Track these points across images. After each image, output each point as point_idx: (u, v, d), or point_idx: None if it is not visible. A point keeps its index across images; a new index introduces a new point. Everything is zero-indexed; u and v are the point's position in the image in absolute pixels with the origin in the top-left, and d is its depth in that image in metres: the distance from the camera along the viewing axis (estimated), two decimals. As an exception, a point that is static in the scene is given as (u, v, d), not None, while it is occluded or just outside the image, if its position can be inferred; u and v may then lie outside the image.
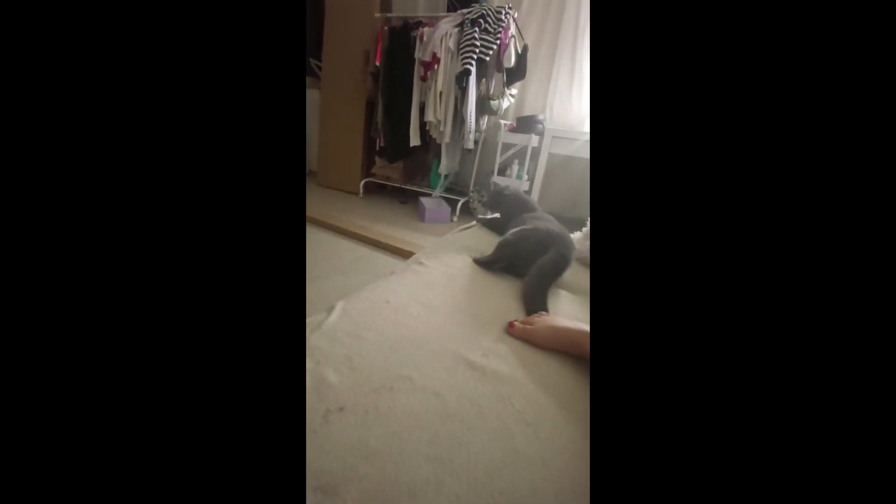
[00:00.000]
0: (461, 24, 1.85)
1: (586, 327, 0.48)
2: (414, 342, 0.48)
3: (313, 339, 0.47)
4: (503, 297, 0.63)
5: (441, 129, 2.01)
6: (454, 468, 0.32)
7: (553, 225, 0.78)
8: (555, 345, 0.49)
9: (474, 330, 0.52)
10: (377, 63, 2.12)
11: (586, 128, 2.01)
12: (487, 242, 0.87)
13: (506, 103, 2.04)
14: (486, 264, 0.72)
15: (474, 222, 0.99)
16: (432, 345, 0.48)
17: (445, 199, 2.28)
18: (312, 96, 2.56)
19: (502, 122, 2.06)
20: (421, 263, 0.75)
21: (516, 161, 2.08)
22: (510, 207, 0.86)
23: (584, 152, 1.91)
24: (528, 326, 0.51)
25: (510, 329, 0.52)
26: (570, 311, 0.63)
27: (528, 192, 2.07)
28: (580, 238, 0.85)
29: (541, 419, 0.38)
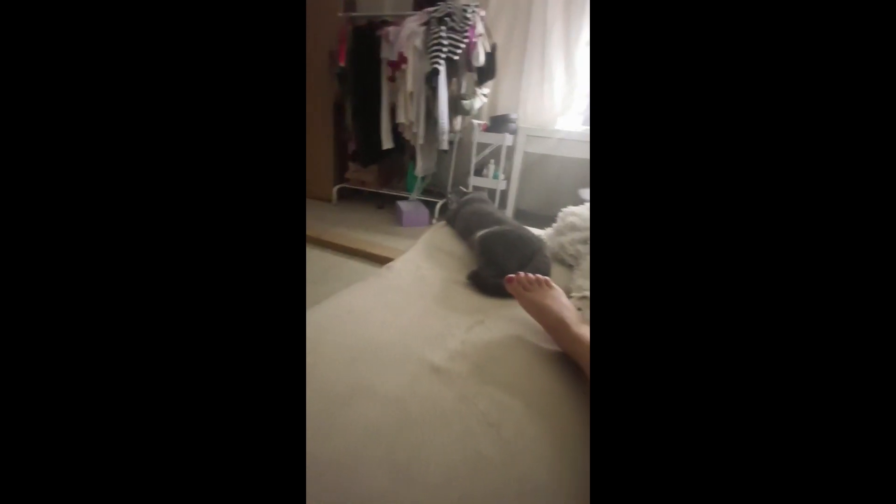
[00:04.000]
0: (427, 23, 1.88)
1: (572, 319, 0.49)
2: (376, 350, 0.48)
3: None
4: (473, 297, 0.64)
5: (414, 130, 2.02)
6: (411, 477, 0.32)
7: (520, 228, 0.80)
8: (535, 316, 0.52)
9: (441, 332, 0.52)
10: (342, 64, 2.12)
11: (559, 126, 2.08)
12: (457, 242, 0.88)
13: (478, 103, 2.08)
14: (479, 277, 0.69)
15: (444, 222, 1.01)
16: (396, 351, 0.48)
17: (423, 201, 2.28)
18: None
19: (475, 121, 2.10)
20: (389, 268, 0.74)
21: (492, 161, 2.12)
22: (462, 206, 0.97)
23: (558, 150, 1.96)
24: (525, 290, 0.54)
25: (508, 282, 0.55)
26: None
27: (506, 191, 2.11)
28: (551, 234, 0.87)
29: (504, 419, 0.39)
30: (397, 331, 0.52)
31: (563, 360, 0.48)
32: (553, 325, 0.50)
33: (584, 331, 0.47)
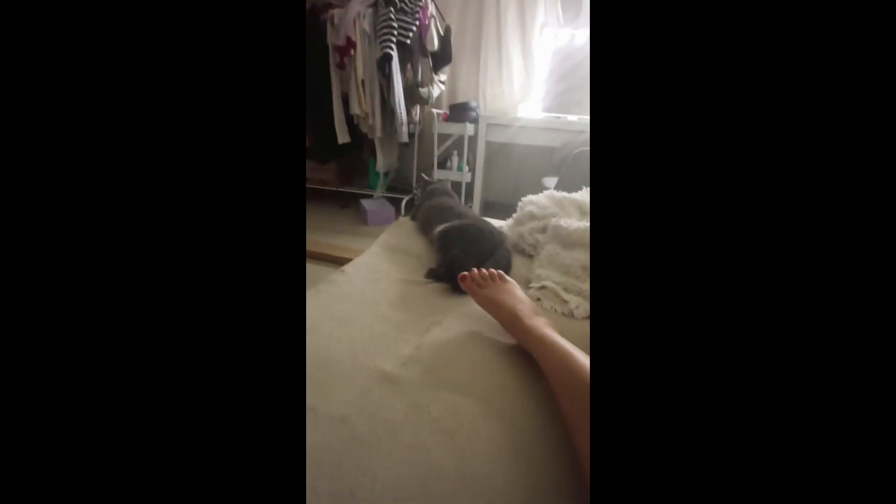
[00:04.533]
0: (374, 4, 1.80)
1: (525, 312, 0.49)
2: (322, 366, 0.45)
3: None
4: (430, 298, 0.62)
5: (370, 122, 1.95)
6: (356, 500, 0.31)
7: (476, 219, 0.81)
8: (490, 311, 0.53)
9: (394, 339, 0.51)
10: (287, 52, 1.99)
11: (520, 113, 2.10)
12: (416, 240, 0.86)
13: (436, 91, 2.04)
14: (439, 275, 0.67)
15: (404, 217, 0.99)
16: (344, 364, 0.46)
17: (388, 198, 2.22)
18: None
19: (435, 111, 2.06)
20: (342, 272, 0.71)
21: (455, 152, 2.11)
22: (425, 199, 0.98)
23: (520, 138, 1.98)
24: (479, 286, 0.54)
25: (461, 281, 0.56)
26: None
27: (471, 183, 2.11)
28: (511, 225, 0.87)
29: (458, 423, 0.38)
30: (346, 343, 0.49)
31: (520, 352, 0.48)
32: (507, 318, 0.50)
33: (538, 322, 0.47)
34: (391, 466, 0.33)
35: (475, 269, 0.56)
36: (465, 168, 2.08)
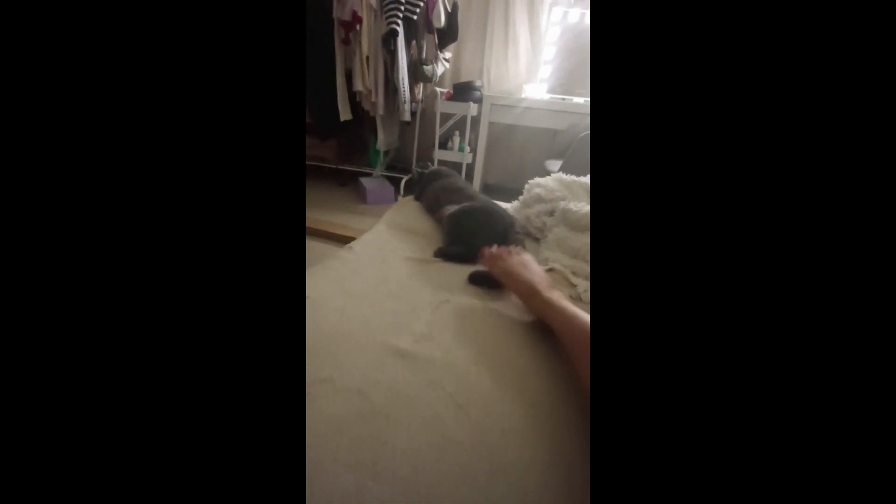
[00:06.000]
0: (381, -23, 1.70)
1: (543, 285, 0.49)
2: (336, 339, 0.45)
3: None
4: (439, 276, 0.62)
5: (373, 99, 1.87)
6: (377, 471, 0.31)
7: (486, 200, 0.80)
8: (508, 283, 0.54)
9: (406, 315, 0.50)
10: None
11: (525, 94, 2.03)
12: (422, 219, 0.85)
13: (440, 69, 1.96)
14: (449, 254, 0.67)
15: (406, 196, 0.97)
16: (358, 338, 0.45)
17: (388, 177, 2.18)
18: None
19: (438, 90, 1.99)
20: (350, 249, 0.70)
21: (457, 132, 2.05)
22: (430, 181, 0.95)
23: (524, 120, 1.93)
24: (498, 259, 0.56)
25: (481, 257, 0.58)
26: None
27: (472, 164, 2.07)
28: (517, 207, 0.86)
29: (473, 398, 0.38)
30: (359, 318, 0.49)
31: (532, 330, 0.48)
32: (525, 290, 0.50)
33: (556, 294, 0.47)
34: (408, 438, 0.34)
35: (494, 247, 0.57)
36: (467, 149, 2.04)
